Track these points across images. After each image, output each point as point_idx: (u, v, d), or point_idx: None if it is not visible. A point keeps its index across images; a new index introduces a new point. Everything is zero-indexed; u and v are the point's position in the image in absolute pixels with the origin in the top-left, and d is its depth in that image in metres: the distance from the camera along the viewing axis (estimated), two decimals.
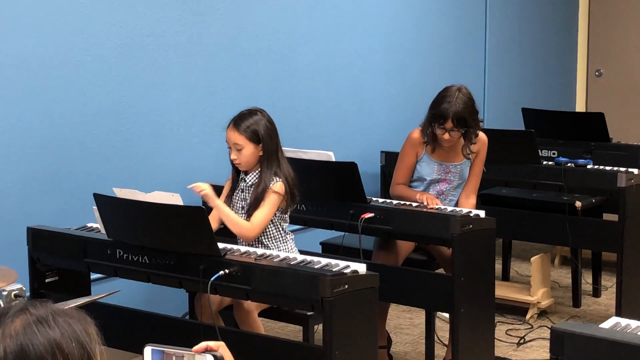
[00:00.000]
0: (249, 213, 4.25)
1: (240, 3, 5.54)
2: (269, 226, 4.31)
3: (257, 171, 4.30)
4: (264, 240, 4.30)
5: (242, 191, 4.35)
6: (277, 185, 4.21)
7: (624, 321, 2.90)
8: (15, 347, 1.46)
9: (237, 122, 4.26)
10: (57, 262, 4.18)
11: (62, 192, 4.73)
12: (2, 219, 4.49)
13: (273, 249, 4.22)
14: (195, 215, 3.71)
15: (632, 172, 5.56)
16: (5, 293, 3.91)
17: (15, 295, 3.62)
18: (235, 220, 4.09)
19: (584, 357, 2.80)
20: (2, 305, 3.38)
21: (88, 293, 4.29)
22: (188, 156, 5.32)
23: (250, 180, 4.31)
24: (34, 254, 4.18)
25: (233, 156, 4.28)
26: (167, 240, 3.81)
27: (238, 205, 4.36)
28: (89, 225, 4.30)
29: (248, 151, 4.24)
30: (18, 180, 4.58)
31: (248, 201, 4.29)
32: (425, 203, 4.76)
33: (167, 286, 4.04)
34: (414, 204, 4.78)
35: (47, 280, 4.21)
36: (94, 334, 1.55)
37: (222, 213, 4.17)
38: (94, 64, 4.84)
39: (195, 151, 5.35)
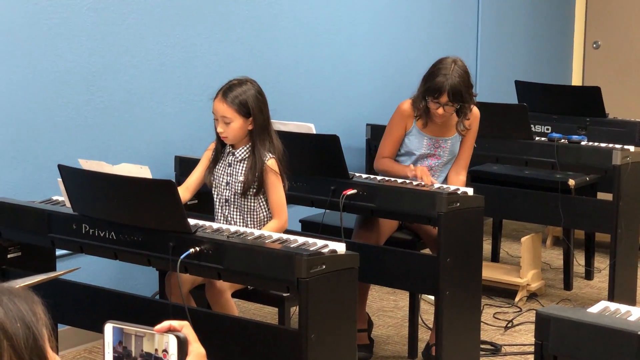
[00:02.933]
0: (244, 191, 4.25)
1: None
2: (258, 210, 4.31)
3: (247, 145, 4.28)
4: (249, 224, 4.27)
5: (230, 166, 4.31)
6: (271, 161, 4.22)
7: (613, 305, 2.91)
8: None
9: (226, 92, 4.21)
10: (20, 237, 4.17)
11: (26, 163, 4.71)
12: None
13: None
14: (164, 188, 3.68)
15: (628, 150, 5.58)
16: None
17: None
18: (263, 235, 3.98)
19: (570, 343, 2.81)
20: None
21: (53, 270, 4.26)
22: (161, 127, 5.29)
23: (240, 155, 4.28)
24: None
25: (220, 129, 4.23)
26: (135, 215, 3.78)
27: (222, 180, 4.32)
28: (54, 198, 4.28)
29: (237, 124, 4.20)
30: None
31: (240, 177, 4.26)
32: (418, 177, 4.75)
33: (135, 264, 4.03)
34: (400, 180, 4.76)
35: (9, 256, 4.20)
36: (41, 313, 1.53)
37: None
38: (62, 27, 4.80)
39: (168, 122, 5.32)
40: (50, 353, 1.51)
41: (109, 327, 1.82)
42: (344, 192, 4.59)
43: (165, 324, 1.78)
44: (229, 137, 4.25)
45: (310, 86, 6.13)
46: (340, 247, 3.58)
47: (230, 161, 4.32)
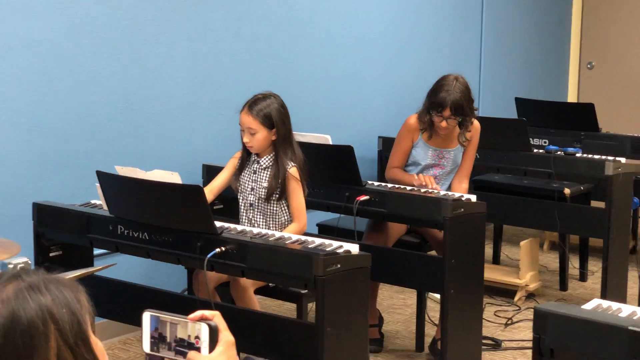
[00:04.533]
0: (267, 197, 4.26)
1: None
2: (280, 214, 4.33)
3: (271, 154, 4.29)
4: (272, 227, 4.28)
5: (255, 173, 4.33)
6: (293, 169, 4.24)
7: (605, 303, 2.90)
8: (6, 312, 1.45)
9: (251, 106, 4.23)
10: (61, 237, 4.17)
11: (67, 170, 4.73)
12: (9, 195, 4.50)
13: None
14: (192, 193, 3.69)
15: (620, 161, 5.57)
16: (11, 265, 3.89)
17: (21, 269, 3.61)
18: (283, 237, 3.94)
19: (565, 336, 2.80)
20: None
21: (90, 266, 4.28)
22: (190, 137, 5.30)
23: (264, 163, 4.30)
24: (39, 229, 4.17)
25: (246, 139, 4.26)
26: (166, 217, 3.79)
27: (247, 185, 4.34)
28: (92, 202, 4.28)
29: (261, 135, 4.22)
30: (25, 157, 4.57)
31: (264, 184, 4.28)
32: (424, 184, 4.77)
33: (166, 262, 4.02)
34: (409, 188, 4.78)
35: (51, 255, 4.20)
36: (84, 301, 1.53)
37: None
38: (101, 47, 4.83)
39: (196, 132, 5.33)
40: (92, 337, 1.52)
41: (146, 315, 1.84)
42: (357, 198, 4.59)
43: (198, 313, 1.78)
44: (254, 147, 4.26)
45: (326, 101, 6.13)
46: (354, 248, 3.59)
47: (255, 169, 4.33)
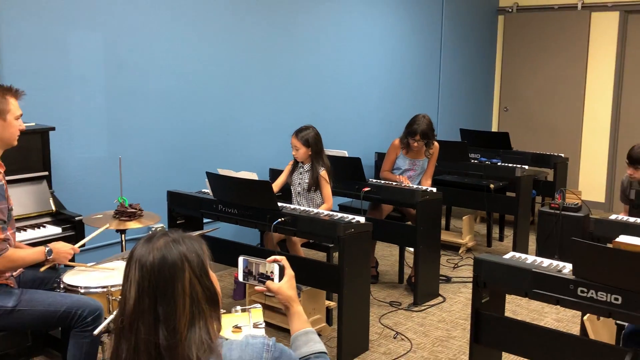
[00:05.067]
0: (308, 189, 4.30)
1: (296, 53, 5.54)
2: (316, 199, 4.34)
3: (309, 163, 4.31)
4: (311, 206, 4.29)
5: (300, 174, 4.37)
6: (323, 172, 4.27)
7: (517, 254, 2.91)
8: (159, 255, 1.45)
9: (298, 133, 4.28)
10: (183, 211, 4.21)
11: (188, 171, 4.77)
12: (153, 185, 4.54)
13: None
14: (265, 185, 3.73)
15: (524, 168, 5.57)
16: (154, 229, 3.93)
17: (165, 230, 3.67)
18: (319, 212, 3.90)
19: (493, 274, 2.80)
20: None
21: (202, 229, 4.31)
22: (262, 150, 5.32)
23: (305, 168, 4.33)
24: (171, 206, 4.22)
25: (294, 153, 4.30)
26: (248, 199, 3.82)
27: (296, 181, 4.37)
28: (204, 190, 4.31)
29: (302, 151, 4.26)
30: (163, 164, 4.62)
31: (306, 180, 4.31)
32: (403, 182, 4.78)
33: (248, 227, 4.04)
34: (394, 183, 4.77)
35: (177, 222, 4.24)
36: (206, 251, 1.54)
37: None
38: (208, 92, 4.87)
39: (266, 148, 5.35)
40: (211, 273, 1.52)
41: (241, 259, 1.86)
42: (363, 189, 4.61)
43: (272, 257, 1.81)
44: (299, 158, 4.30)
45: (344, 129, 6.12)
46: (361, 220, 3.61)
47: (300, 171, 4.36)
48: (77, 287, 2.87)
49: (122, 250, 3.61)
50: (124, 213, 3.41)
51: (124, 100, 4.36)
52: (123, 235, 3.55)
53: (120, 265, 3.13)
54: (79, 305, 2.72)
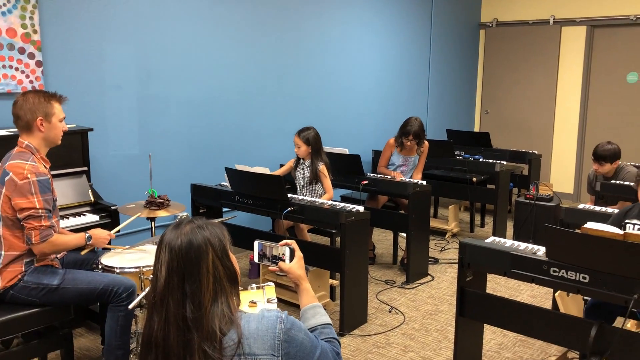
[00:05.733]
0: (310, 182, 4.26)
1: (302, 63, 5.53)
2: (318, 190, 4.31)
3: (309, 160, 4.29)
4: (314, 197, 4.29)
5: (302, 169, 4.34)
6: (322, 167, 4.23)
7: (497, 239, 2.90)
8: (186, 240, 1.45)
9: (300, 133, 4.27)
10: (205, 202, 4.20)
11: (210, 166, 4.76)
12: (179, 179, 4.53)
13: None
14: (276, 179, 3.72)
15: (503, 163, 5.52)
16: (179, 216, 3.91)
17: (191, 217, 3.67)
18: (323, 202, 3.88)
19: (476, 256, 2.80)
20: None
21: (221, 217, 4.32)
22: (271, 149, 5.30)
23: (306, 164, 4.31)
24: (194, 197, 4.22)
25: (296, 150, 4.28)
26: (262, 191, 3.81)
27: (299, 176, 4.35)
28: (222, 183, 4.30)
29: (303, 148, 4.24)
30: (187, 160, 4.61)
31: (307, 175, 4.28)
32: (396, 177, 4.77)
33: (261, 215, 4.04)
34: (389, 177, 4.76)
35: (200, 211, 4.24)
36: (227, 236, 1.52)
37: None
38: (226, 98, 4.85)
39: (273, 146, 5.33)
40: (232, 255, 1.51)
41: (256, 242, 1.85)
42: (362, 182, 4.60)
43: (283, 241, 1.81)
44: (300, 155, 4.28)
45: (346, 129, 6.10)
46: (361, 209, 3.60)
47: (302, 167, 4.34)
48: (113, 267, 2.87)
49: (152, 236, 3.61)
50: (154, 203, 3.41)
51: (152, 105, 4.36)
52: (153, 223, 3.56)
53: (151, 248, 3.14)
54: (114, 283, 2.72)
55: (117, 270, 2.86)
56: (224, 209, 4.47)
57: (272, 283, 2.51)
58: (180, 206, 3.51)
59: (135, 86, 4.25)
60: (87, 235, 2.83)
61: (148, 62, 4.30)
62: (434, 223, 5.82)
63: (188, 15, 4.50)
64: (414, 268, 4.49)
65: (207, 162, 4.75)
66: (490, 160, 5.71)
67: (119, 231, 3.19)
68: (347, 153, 4.84)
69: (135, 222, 3.35)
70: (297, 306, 3.66)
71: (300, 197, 3.98)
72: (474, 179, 5.68)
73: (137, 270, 2.87)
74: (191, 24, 4.53)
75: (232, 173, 3.93)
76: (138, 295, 2.70)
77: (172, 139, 4.51)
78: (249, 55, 5.00)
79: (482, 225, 6.20)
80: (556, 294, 3.15)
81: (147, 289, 2.62)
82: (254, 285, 2.47)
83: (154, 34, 4.31)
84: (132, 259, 2.98)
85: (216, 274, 1.43)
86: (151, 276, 2.76)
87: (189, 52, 4.54)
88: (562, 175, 7.55)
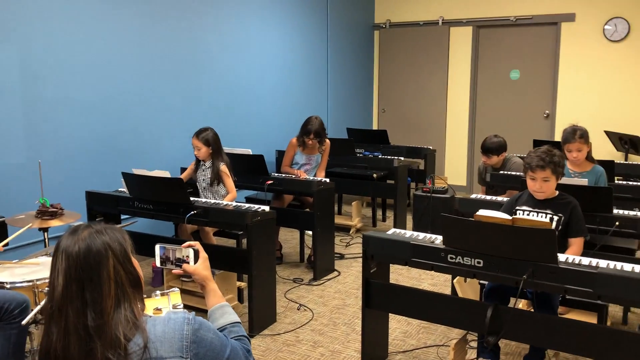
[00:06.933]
0: (211, 183, 4.19)
1: (201, 62, 5.43)
2: (220, 191, 4.25)
3: (209, 160, 4.22)
4: (217, 199, 4.23)
5: (203, 171, 4.27)
6: (223, 166, 4.17)
7: (398, 230, 2.99)
8: (84, 245, 1.41)
9: (198, 134, 4.19)
10: (102, 209, 4.04)
11: (106, 171, 4.57)
12: (74, 187, 4.32)
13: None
14: (177, 182, 3.64)
15: (400, 159, 5.73)
16: (74, 225, 3.71)
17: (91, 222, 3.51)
18: (228, 204, 3.84)
19: (379, 248, 2.87)
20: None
21: (119, 224, 4.15)
22: (171, 151, 5.17)
23: (207, 165, 4.24)
24: (90, 205, 4.05)
25: (196, 152, 4.20)
26: (162, 195, 3.71)
27: (201, 179, 4.27)
28: (120, 189, 4.15)
29: (204, 150, 4.17)
30: (81, 166, 4.41)
31: (209, 176, 4.21)
32: (300, 176, 4.80)
33: (163, 220, 3.93)
34: (293, 176, 4.79)
35: (97, 219, 4.05)
36: (128, 240, 1.49)
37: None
38: (120, 98, 4.68)
39: (176, 148, 5.20)
40: (134, 260, 1.48)
41: (157, 246, 1.80)
42: (266, 182, 4.59)
43: (187, 243, 1.78)
44: (201, 157, 4.22)
45: (246, 129, 6.07)
46: (266, 209, 3.59)
47: (203, 169, 4.28)
48: (3, 283, 2.69)
49: (45, 247, 3.41)
50: (46, 213, 3.23)
51: (40, 109, 4.12)
52: (46, 234, 3.37)
53: (44, 260, 2.96)
54: (5, 300, 2.55)
55: (8, 286, 2.68)
56: (123, 216, 4.31)
57: (177, 289, 2.45)
58: (75, 215, 3.35)
59: (19, 89, 3.99)
60: None
61: (34, 64, 4.05)
62: (338, 220, 5.90)
63: (77, 13, 4.29)
64: (321, 265, 4.54)
65: (103, 167, 4.56)
66: (389, 157, 5.90)
67: (7, 244, 2.99)
68: (251, 154, 4.82)
69: (27, 234, 3.15)
70: (205, 311, 3.59)
71: (204, 199, 3.92)
72: (375, 175, 5.83)
73: (30, 284, 2.70)
74: (80, 23, 4.32)
75: (129, 178, 3.79)
76: (32, 310, 2.54)
77: (64, 144, 4.28)
78: (143, 55, 4.84)
79: (384, 219, 6.38)
80: (454, 281, 3.32)
81: (42, 303, 2.47)
82: (158, 292, 2.40)
83: (39, 33, 4.07)
84: (24, 273, 2.81)
85: (118, 279, 1.39)
86: (47, 288, 2.61)
87: (80, 53, 4.33)
88: (455, 168, 7.95)
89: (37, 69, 4.07)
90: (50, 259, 2.97)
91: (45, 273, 2.78)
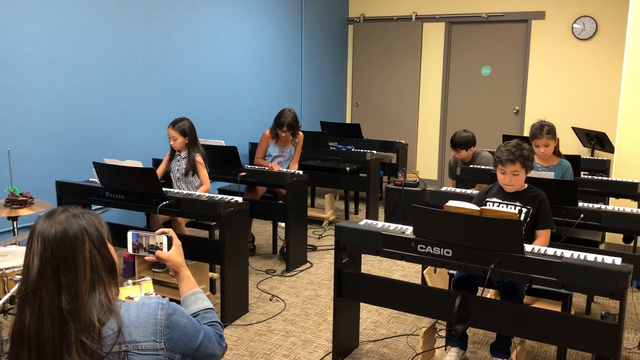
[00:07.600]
0: (186, 173, 4.17)
1: (174, 51, 5.39)
2: (195, 182, 4.23)
3: (185, 151, 4.20)
4: (191, 189, 4.21)
5: (178, 161, 4.24)
6: (199, 157, 4.16)
7: (370, 221, 3.01)
8: (60, 229, 1.40)
9: (174, 124, 4.16)
10: (73, 200, 3.99)
11: (76, 161, 4.51)
12: (44, 176, 4.26)
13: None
14: (149, 172, 3.61)
15: (373, 152, 5.77)
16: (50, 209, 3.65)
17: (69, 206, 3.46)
18: (201, 194, 3.82)
19: (351, 238, 2.89)
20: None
21: None
22: (145, 141, 5.13)
23: (182, 156, 4.22)
24: (60, 195, 4.00)
25: (171, 143, 4.17)
26: (134, 185, 3.68)
27: (175, 169, 4.25)
28: (91, 179, 4.10)
29: (180, 140, 4.15)
30: (51, 155, 4.34)
31: (183, 166, 4.19)
32: (273, 168, 4.80)
33: (135, 210, 3.90)
34: (267, 168, 4.79)
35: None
36: (103, 224, 1.48)
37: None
38: (91, 87, 4.62)
39: (148, 138, 5.16)
40: (109, 245, 1.47)
41: (130, 233, 1.79)
42: (240, 174, 4.59)
43: (160, 230, 1.77)
44: (177, 147, 4.19)
45: (220, 121, 6.03)
46: (240, 200, 3.59)
47: (178, 159, 4.25)
48: None
49: (14, 236, 3.36)
50: (15, 201, 3.18)
51: (9, 98, 4.04)
52: (15, 223, 3.32)
53: (13, 249, 2.92)
54: None
55: None
56: (94, 207, 4.26)
57: (149, 278, 2.44)
58: (46, 204, 3.31)
59: None
60: None
61: (1, 53, 3.97)
62: (311, 212, 5.93)
63: (46, 3, 4.22)
64: (294, 256, 4.56)
65: (74, 157, 4.50)
66: (362, 150, 5.94)
67: None
68: (224, 145, 4.81)
69: None
70: (178, 302, 3.58)
71: (177, 190, 3.90)
72: (347, 169, 5.87)
73: None
74: (50, 12, 4.25)
75: (101, 168, 3.75)
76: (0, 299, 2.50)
77: (34, 133, 4.21)
78: (115, 45, 4.78)
79: (357, 212, 6.43)
80: (425, 272, 3.38)
81: (11, 291, 2.44)
82: (130, 281, 2.39)
83: (6, 22, 3.99)
84: None
85: (93, 263, 1.39)
86: (17, 276, 2.57)
87: (49, 42, 4.26)
88: (426, 162, 8.05)
89: (5, 59, 4.00)
90: (18, 248, 2.93)
91: (14, 262, 2.74)
